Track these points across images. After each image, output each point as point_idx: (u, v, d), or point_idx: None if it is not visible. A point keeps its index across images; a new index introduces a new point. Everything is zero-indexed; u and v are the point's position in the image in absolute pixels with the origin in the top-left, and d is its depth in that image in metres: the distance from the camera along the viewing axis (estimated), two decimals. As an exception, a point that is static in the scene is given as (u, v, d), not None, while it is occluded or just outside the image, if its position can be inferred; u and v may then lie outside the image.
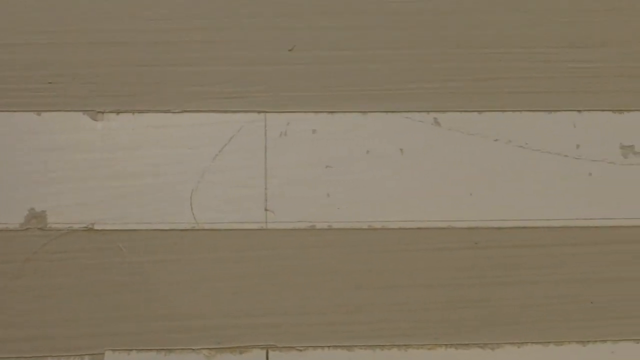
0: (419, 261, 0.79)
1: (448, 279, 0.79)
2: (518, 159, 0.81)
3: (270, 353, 0.77)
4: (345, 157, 0.80)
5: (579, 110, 0.82)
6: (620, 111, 0.83)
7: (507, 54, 0.82)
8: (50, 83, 0.79)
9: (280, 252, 0.78)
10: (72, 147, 0.78)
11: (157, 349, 0.76)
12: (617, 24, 0.85)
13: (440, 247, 0.79)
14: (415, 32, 0.83)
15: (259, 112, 0.80)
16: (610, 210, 0.81)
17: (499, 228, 0.80)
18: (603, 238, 0.80)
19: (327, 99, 0.81)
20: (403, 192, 0.79)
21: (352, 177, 0.79)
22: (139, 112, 0.79)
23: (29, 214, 0.77)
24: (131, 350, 0.76)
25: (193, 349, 0.76)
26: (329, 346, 0.77)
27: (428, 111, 0.81)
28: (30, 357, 0.75)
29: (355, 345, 0.77)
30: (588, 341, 0.79)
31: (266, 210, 0.78)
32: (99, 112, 0.79)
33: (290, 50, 0.82)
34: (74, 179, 0.78)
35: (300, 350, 0.77)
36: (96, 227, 0.77)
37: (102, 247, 0.77)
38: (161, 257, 0.77)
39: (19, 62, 0.79)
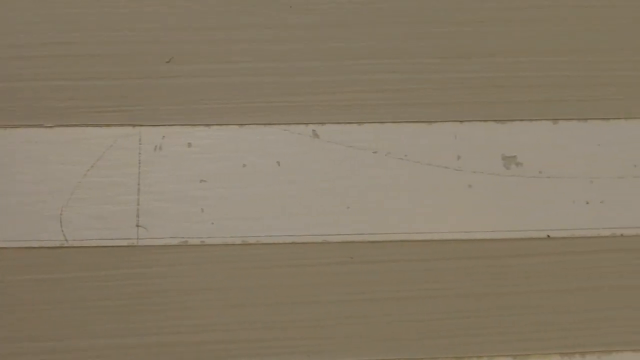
0: (294, 277, 0.73)
1: (323, 294, 0.73)
2: (397, 171, 0.75)
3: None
4: (220, 171, 0.74)
5: (460, 121, 0.76)
6: (503, 121, 0.77)
7: (387, 65, 0.76)
8: None
9: (151, 270, 0.72)
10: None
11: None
12: (499, 34, 0.80)
13: (315, 263, 0.73)
14: (294, 44, 0.77)
15: (134, 125, 0.74)
16: (490, 223, 0.74)
17: (376, 242, 0.74)
18: (482, 252, 0.74)
19: (204, 112, 0.75)
20: (279, 206, 0.73)
21: (227, 192, 0.73)
22: (12, 127, 0.73)
23: None
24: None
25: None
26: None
27: (307, 123, 0.75)
28: None
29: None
30: (463, 357, 0.72)
31: (138, 226, 0.72)
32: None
33: (167, 62, 0.75)
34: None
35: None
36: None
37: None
38: (30, 276, 0.71)
39: None
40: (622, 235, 0.77)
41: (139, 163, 0.75)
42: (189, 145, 0.76)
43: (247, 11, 0.79)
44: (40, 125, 0.75)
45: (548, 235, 0.77)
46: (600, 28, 0.80)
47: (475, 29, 0.80)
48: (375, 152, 0.77)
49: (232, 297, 0.74)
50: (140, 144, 0.76)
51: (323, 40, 0.78)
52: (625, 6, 0.81)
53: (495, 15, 0.80)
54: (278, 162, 0.76)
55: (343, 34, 0.79)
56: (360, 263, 0.75)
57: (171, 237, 0.74)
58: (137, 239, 0.74)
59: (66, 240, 0.73)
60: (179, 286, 0.74)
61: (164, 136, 0.76)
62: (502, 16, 0.80)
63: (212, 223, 0.75)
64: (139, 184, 0.75)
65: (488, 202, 0.77)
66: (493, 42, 0.79)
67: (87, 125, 0.76)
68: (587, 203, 0.77)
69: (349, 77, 0.78)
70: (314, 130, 0.77)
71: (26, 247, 0.74)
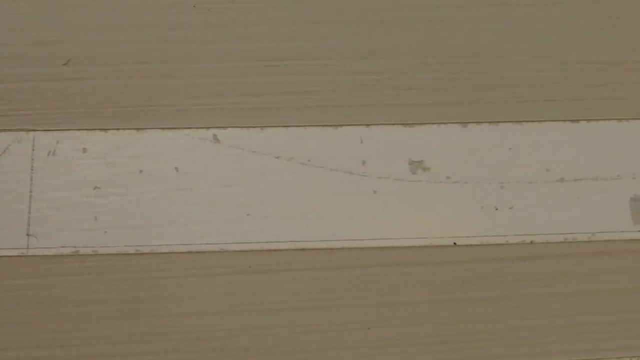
0: (190, 287, 0.67)
1: (220, 305, 0.67)
2: (300, 176, 0.68)
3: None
4: (116, 177, 0.67)
5: (366, 125, 0.70)
6: (411, 125, 0.70)
7: (289, 67, 0.71)
8: None
9: (42, 281, 0.65)
10: None
11: None
12: (403, 33, 0.75)
13: (212, 272, 0.67)
14: (193, 45, 0.72)
15: (27, 130, 0.68)
16: (394, 230, 0.68)
17: (276, 250, 0.67)
18: (386, 260, 0.68)
19: (100, 116, 0.69)
20: (175, 214, 0.67)
21: (122, 199, 0.67)
22: None
23: None
24: None
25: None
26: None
27: (207, 127, 0.69)
28: None
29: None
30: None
31: (28, 235, 0.66)
32: None
33: (64, 64, 0.68)
34: None
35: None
36: None
37: None
38: None
39: None
40: (532, 242, 0.71)
41: (32, 169, 0.69)
42: (84, 150, 0.70)
43: (145, 11, 0.72)
44: None
45: (454, 243, 0.70)
46: (512, 28, 0.74)
47: (377, 28, 0.74)
48: (277, 157, 0.70)
49: (125, 308, 0.68)
50: (33, 149, 0.69)
51: (225, 41, 0.72)
52: (536, 4, 0.74)
53: (400, 14, 0.73)
54: (176, 168, 0.69)
55: (244, 35, 0.72)
56: (258, 272, 0.69)
57: (62, 247, 0.68)
58: (27, 248, 0.68)
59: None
60: (70, 297, 0.68)
61: (58, 141, 0.70)
62: (408, 14, 0.73)
63: (105, 232, 0.68)
64: (30, 191, 0.68)
65: (393, 208, 0.70)
66: (398, 42, 0.72)
67: (-21, 131, 0.69)
68: (496, 209, 0.71)
69: (252, 80, 0.71)
70: (214, 135, 0.70)
71: None
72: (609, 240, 0.73)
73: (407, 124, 0.73)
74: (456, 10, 0.75)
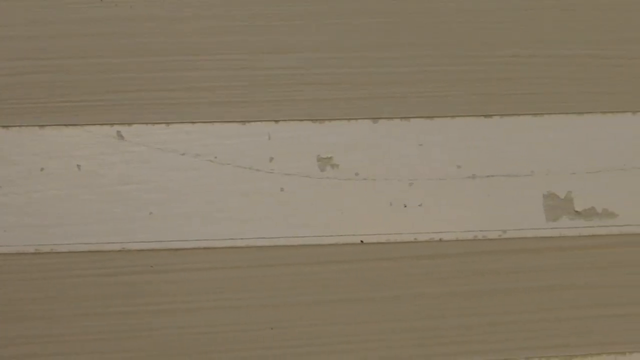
0: (89, 287, 0.63)
1: (118, 305, 0.62)
2: (206, 174, 0.64)
3: None
4: (17, 175, 0.63)
5: (275, 121, 0.65)
6: (321, 120, 0.65)
7: (196, 62, 0.68)
8: None
9: None
10: None
11: None
12: (315, 29, 0.73)
13: (112, 272, 0.63)
14: (98, 40, 0.70)
15: None
16: (301, 228, 0.63)
17: (178, 249, 0.62)
18: (291, 259, 0.64)
19: (2, 113, 0.64)
20: (76, 213, 0.63)
21: (22, 197, 0.63)
22: None
23: None
24: None
25: None
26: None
27: (112, 124, 0.64)
28: None
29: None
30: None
31: None
32: None
33: None
34: None
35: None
36: None
37: None
38: None
39: None
40: (440, 240, 0.66)
41: None
42: (-15, 148, 0.65)
43: (51, 6, 0.67)
44: None
45: (361, 241, 0.65)
46: (424, 23, 0.68)
47: (287, 23, 0.71)
48: (183, 154, 0.66)
49: (24, 309, 0.63)
50: None
51: (132, 36, 0.67)
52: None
53: (310, 9, 0.69)
54: (78, 166, 0.65)
55: (152, 30, 0.67)
56: (161, 272, 0.64)
57: (-41, 246, 0.63)
58: None
59: None
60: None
61: (-42, 139, 0.65)
62: (317, 9, 0.68)
63: (5, 230, 0.64)
64: None
65: (299, 206, 0.66)
66: (308, 37, 0.67)
67: None
68: (405, 206, 0.66)
69: (159, 75, 0.67)
70: (118, 132, 0.66)
71: None
72: (520, 238, 0.68)
73: (316, 119, 0.69)
74: (367, 4, 0.70)
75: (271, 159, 0.69)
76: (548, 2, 0.72)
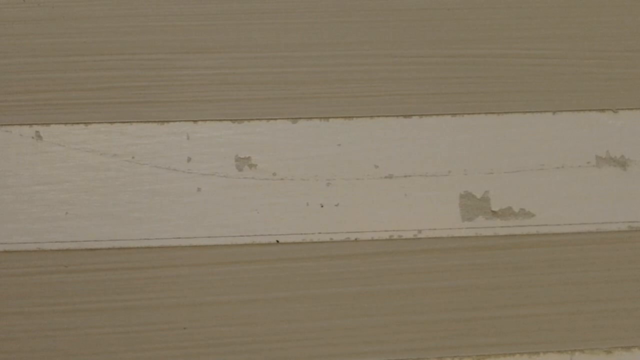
0: (5, 287, 0.59)
1: (34, 305, 0.60)
2: (124, 174, 0.62)
3: None
4: None
5: (194, 121, 0.63)
6: (239, 121, 0.63)
7: (119, 61, 0.66)
8: None
9: None
10: None
11: None
12: (235, 28, 0.71)
13: (25, 272, 0.60)
14: (19, 41, 0.69)
15: None
16: (217, 228, 0.61)
17: (94, 249, 0.60)
18: (207, 259, 0.62)
19: None
20: (-7, 213, 0.61)
21: None
22: None
23: None
24: None
25: None
26: None
27: (30, 124, 0.62)
28: None
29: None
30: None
31: None
32: None
33: None
34: None
35: None
36: None
37: None
38: None
39: None
40: (356, 239, 0.64)
41: None
42: None
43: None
44: None
45: (277, 241, 0.63)
46: (345, 22, 0.66)
47: (207, 22, 0.69)
48: (101, 154, 0.63)
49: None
50: None
51: (49, 35, 0.64)
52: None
53: (231, 8, 0.66)
54: (-4, 166, 0.63)
55: (72, 29, 0.65)
56: (75, 272, 0.62)
57: None
58: None
59: None
60: None
61: None
62: (239, 8, 0.66)
63: None
64: None
65: (216, 206, 0.64)
66: (228, 36, 0.65)
67: None
68: (322, 206, 0.64)
69: (77, 75, 0.65)
70: (37, 132, 0.64)
71: None
72: (436, 238, 0.66)
73: (235, 119, 0.66)
74: (290, 4, 0.67)
75: (189, 159, 0.67)
76: (467, 1, 0.69)
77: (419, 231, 0.68)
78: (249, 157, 0.68)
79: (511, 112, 0.69)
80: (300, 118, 0.69)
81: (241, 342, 0.66)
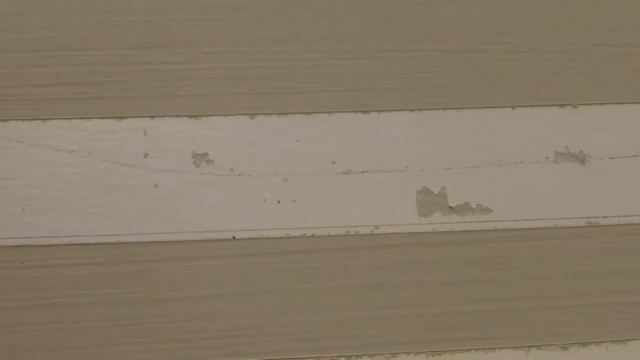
0: None
1: None
2: (81, 170, 0.62)
3: None
4: None
5: (151, 117, 0.62)
6: (197, 117, 0.62)
7: (77, 57, 0.66)
8: None
9: None
10: None
11: None
12: (195, 23, 0.69)
13: None
14: None
15: None
16: (172, 224, 0.60)
17: (49, 245, 0.59)
18: (160, 255, 0.61)
19: None
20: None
21: None
22: None
23: None
24: None
25: None
26: None
27: None
28: None
29: None
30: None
31: None
32: None
33: None
34: None
35: None
36: None
37: None
38: None
39: None
40: (312, 235, 0.63)
41: None
42: None
43: None
44: None
45: (234, 237, 0.62)
46: (300, 17, 0.66)
47: (168, 17, 0.67)
48: (57, 150, 0.62)
49: None
50: None
51: (7, 30, 0.63)
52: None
53: (186, 4, 0.65)
54: (-48, 162, 0.62)
55: (26, 26, 0.65)
56: (30, 268, 0.61)
57: None
58: None
59: None
60: None
61: None
62: (192, 4, 0.64)
63: None
64: None
65: (173, 202, 0.63)
66: (188, 31, 0.64)
67: None
68: (279, 202, 0.63)
69: (34, 71, 0.64)
70: (-7, 128, 0.63)
71: None
72: (392, 233, 0.65)
73: (192, 115, 0.65)
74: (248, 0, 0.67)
75: (146, 155, 0.66)
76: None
77: (376, 227, 0.67)
78: (206, 153, 0.67)
79: (470, 108, 0.68)
80: (258, 114, 0.68)
81: (197, 337, 0.65)
